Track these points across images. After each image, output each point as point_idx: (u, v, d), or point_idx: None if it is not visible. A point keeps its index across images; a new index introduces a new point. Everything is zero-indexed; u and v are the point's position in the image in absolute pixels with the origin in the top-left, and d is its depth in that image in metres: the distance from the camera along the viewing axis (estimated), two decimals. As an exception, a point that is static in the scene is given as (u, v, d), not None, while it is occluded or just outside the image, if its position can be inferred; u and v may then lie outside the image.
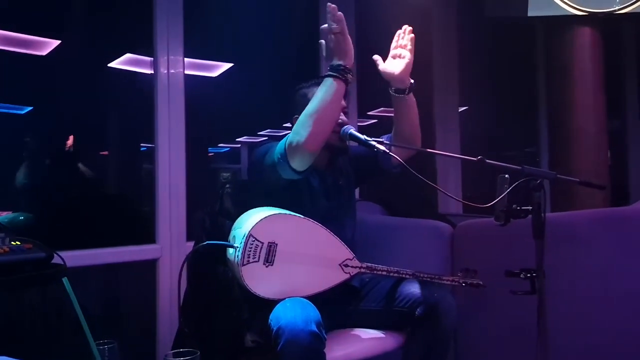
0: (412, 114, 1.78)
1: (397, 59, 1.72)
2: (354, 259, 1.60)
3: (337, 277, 1.58)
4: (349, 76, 1.55)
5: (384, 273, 1.64)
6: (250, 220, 1.51)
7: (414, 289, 1.69)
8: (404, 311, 1.68)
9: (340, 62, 1.54)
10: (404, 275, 1.66)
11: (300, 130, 1.51)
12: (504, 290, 1.40)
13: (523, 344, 1.50)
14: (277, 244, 1.49)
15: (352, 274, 1.60)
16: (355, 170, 1.90)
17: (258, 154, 1.68)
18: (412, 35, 1.71)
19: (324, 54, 1.58)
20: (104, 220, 2.44)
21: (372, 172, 1.90)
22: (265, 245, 1.48)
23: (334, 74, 1.54)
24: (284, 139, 1.56)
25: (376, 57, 1.73)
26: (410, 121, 1.78)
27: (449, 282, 1.70)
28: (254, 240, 1.46)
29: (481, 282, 1.70)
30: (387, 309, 1.72)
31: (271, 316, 1.44)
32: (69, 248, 1.97)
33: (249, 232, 1.46)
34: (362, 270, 1.62)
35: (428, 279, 1.69)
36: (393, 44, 1.75)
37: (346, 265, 1.59)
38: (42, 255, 1.48)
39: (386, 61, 1.74)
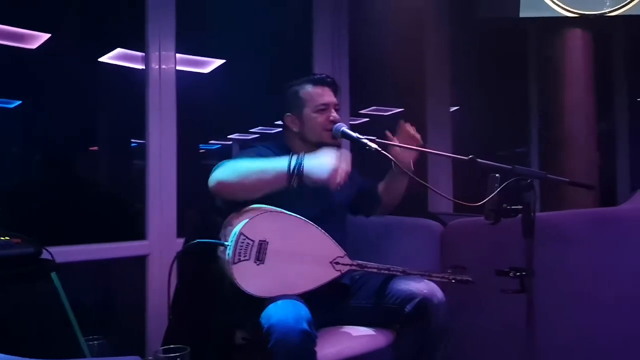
0: (402, 188, 1.91)
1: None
2: (345, 256, 1.60)
3: (328, 274, 1.58)
4: (294, 180, 1.51)
5: (375, 270, 1.65)
6: (241, 218, 1.51)
7: (404, 285, 1.70)
8: (394, 308, 1.69)
9: (315, 177, 1.50)
10: (394, 273, 1.67)
11: (230, 174, 1.54)
12: (494, 289, 1.41)
13: (512, 341, 1.51)
14: (268, 242, 1.49)
15: (343, 272, 1.60)
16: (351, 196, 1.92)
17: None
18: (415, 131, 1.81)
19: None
20: (94, 215, 2.42)
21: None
22: (256, 243, 1.47)
23: (294, 169, 1.51)
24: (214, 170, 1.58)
25: (388, 133, 1.79)
26: (398, 193, 1.92)
27: (438, 279, 1.71)
28: (244, 239, 1.46)
29: (470, 279, 1.71)
30: (377, 306, 1.73)
31: (262, 314, 1.44)
32: (58, 243, 1.95)
33: (240, 230, 1.46)
34: (353, 267, 1.62)
35: (418, 276, 1.69)
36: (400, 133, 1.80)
37: (337, 263, 1.59)
38: (31, 251, 1.47)
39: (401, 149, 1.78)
